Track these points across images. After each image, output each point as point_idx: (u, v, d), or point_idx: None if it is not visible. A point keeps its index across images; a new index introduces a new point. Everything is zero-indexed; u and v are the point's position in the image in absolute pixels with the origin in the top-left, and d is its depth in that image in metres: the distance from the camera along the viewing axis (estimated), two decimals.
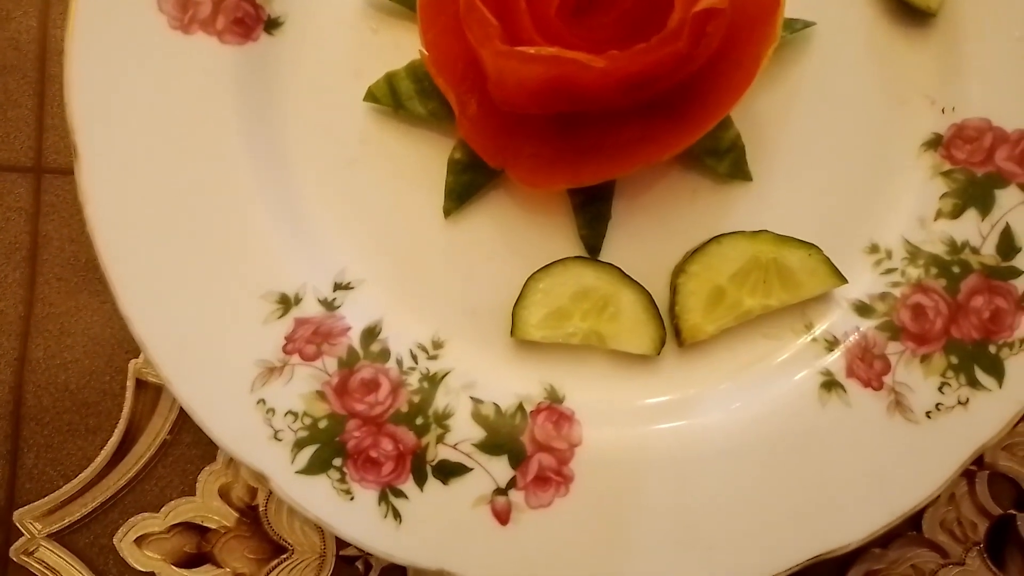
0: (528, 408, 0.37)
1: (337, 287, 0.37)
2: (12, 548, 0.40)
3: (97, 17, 0.35)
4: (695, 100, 0.35)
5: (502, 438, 0.36)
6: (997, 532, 0.40)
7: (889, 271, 0.38)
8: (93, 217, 0.35)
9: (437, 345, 0.37)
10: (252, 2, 0.37)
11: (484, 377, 0.37)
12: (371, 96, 0.37)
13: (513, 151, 0.36)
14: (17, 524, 0.40)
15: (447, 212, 0.38)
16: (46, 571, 0.40)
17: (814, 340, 0.37)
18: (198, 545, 0.40)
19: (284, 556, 0.40)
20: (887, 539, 0.40)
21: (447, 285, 0.37)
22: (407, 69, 0.37)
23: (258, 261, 0.36)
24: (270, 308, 0.36)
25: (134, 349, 0.40)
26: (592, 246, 0.37)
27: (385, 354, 0.36)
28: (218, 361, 0.35)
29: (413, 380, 0.36)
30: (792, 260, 0.36)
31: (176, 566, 0.40)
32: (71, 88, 0.35)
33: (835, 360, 0.37)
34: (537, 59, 0.31)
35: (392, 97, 0.37)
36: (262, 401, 0.35)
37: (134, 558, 0.40)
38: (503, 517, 0.35)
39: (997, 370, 0.36)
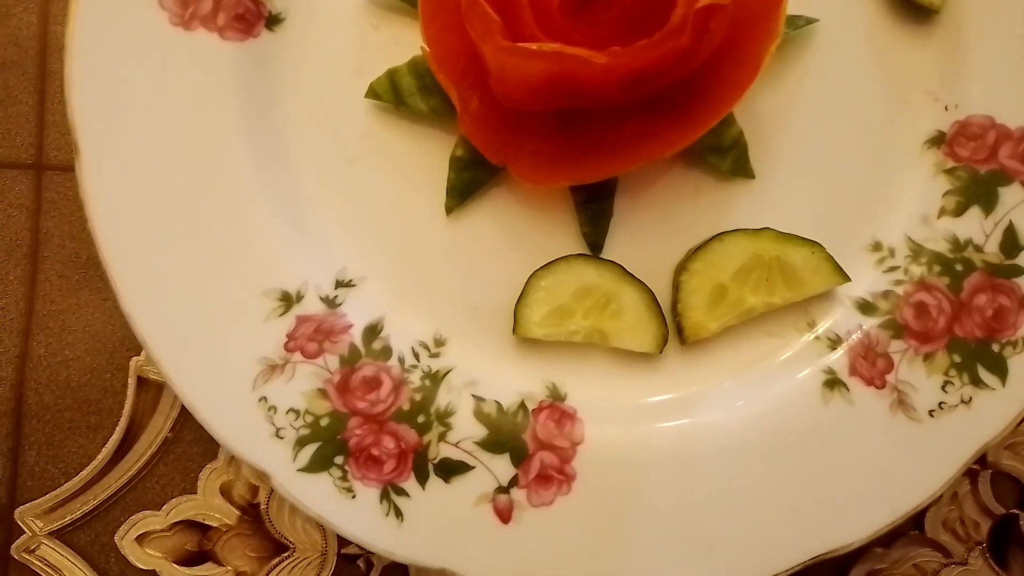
0: (530, 406, 0.36)
1: (339, 284, 0.37)
2: (13, 546, 0.40)
3: (98, 13, 0.35)
4: (697, 97, 0.35)
5: (504, 436, 0.36)
6: (1000, 531, 0.40)
7: (892, 269, 0.37)
8: (94, 214, 0.35)
9: (439, 343, 0.37)
10: None
11: (486, 375, 0.37)
12: (372, 93, 0.37)
13: (515, 148, 0.35)
14: (18, 522, 0.40)
15: (449, 209, 0.37)
16: (47, 569, 0.40)
17: (817, 338, 0.37)
18: (199, 543, 0.40)
19: (285, 554, 0.40)
20: (889, 538, 0.40)
21: (449, 282, 0.37)
22: (408, 65, 0.37)
23: (259, 258, 0.36)
24: (272, 305, 0.36)
25: (135, 346, 0.40)
26: (594, 243, 0.37)
27: (387, 352, 0.36)
28: (219, 359, 0.35)
29: (415, 378, 0.36)
30: (795, 258, 0.36)
31: (177, 564, 0.40)
32: (72, 85, 0.35)
33: (838, 358, 0.37)
34: (539, 55, 0.31)
35: (393, 93, 0.37)
36: (264, 399, 0.35)
37: (135, 556, 0.40)
38: (505, 515, 0.35)
39: (1000, 369, 0.35)
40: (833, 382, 0.36)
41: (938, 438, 0.35)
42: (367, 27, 0.38)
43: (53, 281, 0.41)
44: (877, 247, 0.38)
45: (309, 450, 0.35)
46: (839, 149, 0.38)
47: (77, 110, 0.35)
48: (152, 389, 0.40)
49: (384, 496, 0.35)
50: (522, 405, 0.36)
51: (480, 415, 0.36)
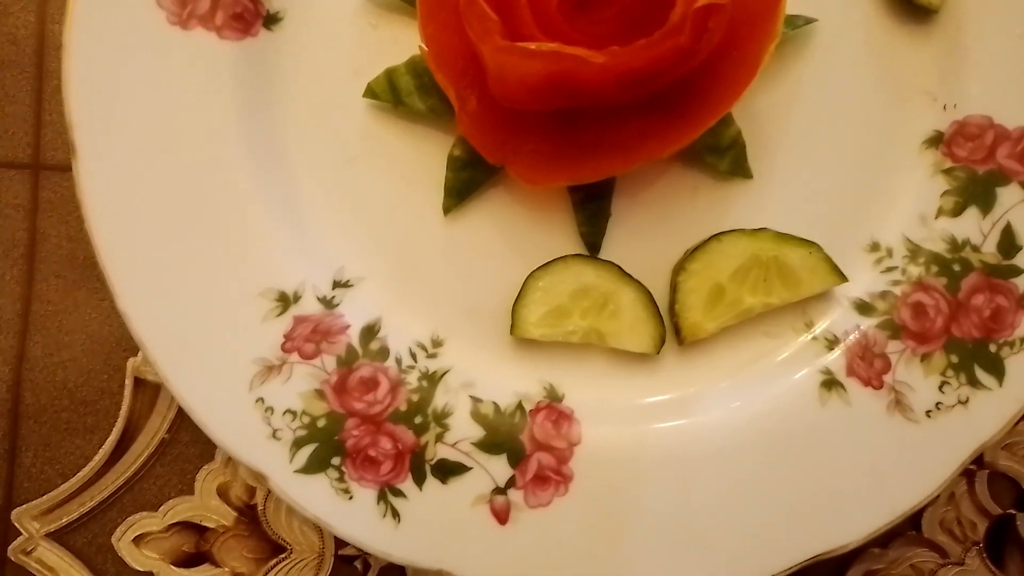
0: (527, 407, 0.36)
1: (336, 285, 0.37)
2: (10, 547, 0.40)
3: (95, 12, 0.35)
4: (696, 97, 0.35)
5: (501, 437, 0.36)
6: (997, 532, 0.40)
7: (890, 269, 0.37)
8: (91, 214, 0.35)
9: (436, 343, 0.37)
10: None
11: (483, 376, 0.37)
12: (370, 92, 0.37)
13: (513, 147, 0.35)
14: (15, 523, 0.40)
15: (447, 209, 0.37)
16: (44, 570, 0.40)
17: (814, 338, 0.37)
18: (196, 544, 0.40)
19: (283, 555, 0.40)
20: (886, 539, 0.40)
21: (446, 283, 0.37)
22: (407, 65, 0.37)
23: (257, 258, 0.36)
24: (269, 306, 0.36)
25: (132, 347, 0.40)
26: (592, 244, 0.37)
27: (384, 352, 0.36)
28: (217, 359, 0.35)
29: (412, 379, 0.36)
30: (793, 258, 0.36)
31: (174, 565, 0.40)
32: (69, 84, 0.35)
33: (835, 359, 0.37)
34: (537, 55, 0.31)
35: (391, 93, 0.37)
36: (261, 400, 0.35)
37: (132, 557, 0.40)
38: (502, 516, 0.35)
39: (997, 369, 0.36)
40: (830, 382, 0.36)
41: (935, 438, 0.35)
42: (365, 26, 0.38)
43: (50, 281, 0.41)
44: (875, 247, 0.38)
45: (306, 451, 0.35)
46: (837, 149, 0.38)
47: (74, 109, 0.35)
48: (149, 390, 0.40)
49: (381, 497, 0.35)
50: (519, 406, 0.36)
51: (477, 416, 0.36)
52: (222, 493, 0.40)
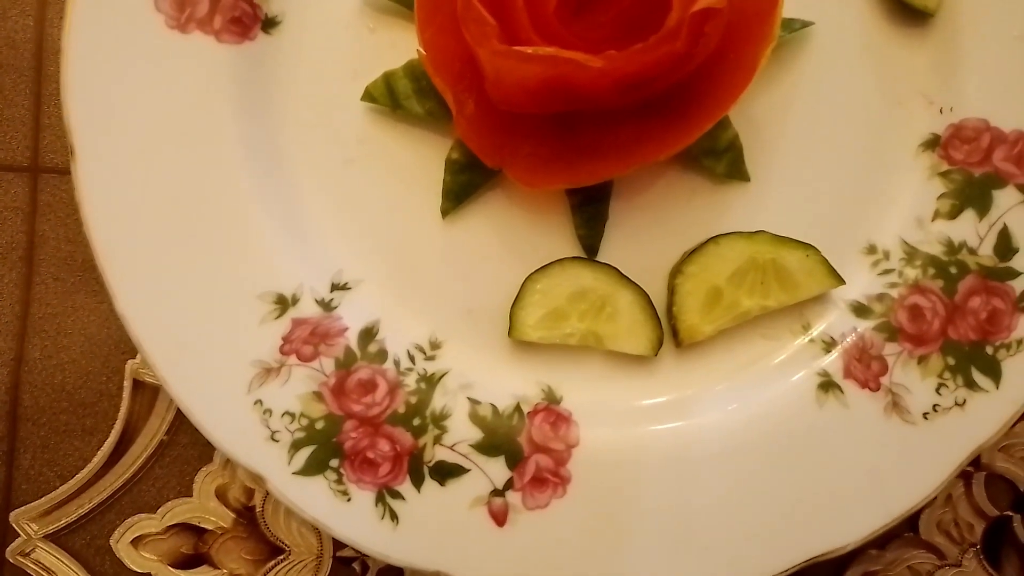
0: (525, 409, 0.36)
1: (334, 287, 0.37)
2: (8, 549, 0.40)
3: (94, 16, 0.35)
4: (693, 100, 0.35)
5: (499, 439, 0.36)
6: (994, 533, 0.40)
7: (887, 272, 0.38)
8: (90, 217, 0.35)
9: (434, 346, 0.37)
10: (249, 1, 0.37)
11: (481, 378, 0.37)
12: (368, 96, 0.37)
13: (511, 151, 0.36)
14: (13, 525, 0.40)
15: (445, 212, 0.37)
16: (42, 572, 0.40)
17: (811, 341, 0.37)
18: (195, 546, 0.40)
19: (281, 557, 0.40)
20: (884, 540, 0.40)
21: (445, 285, 0.37)
22: (405, 68, 0.37)
23: (255, 261, 0.36)
24: (267, 308, 0.36)
25: (131, 349, 0.40)
26: (590, 246, 0.37)
27: (382, 355, 0.36)
28: (215, 362, 0.35)
29: (410, 381, 0.36)
30: (790, 261, 0.36)
31: (173, 567, 0.40)
32: (68, 87, 0.35)
33: (832, 361, 0.37)
34: (535, 59, 0.31)
35: (390, 97, 0.37)
36: (259, 402, 0.35)
37: (131, 559, 0.40)
38: (500, 518, 0.35)
39: (994, 371, 0.36)
40: (827, 384, 0.36)
41: (932, 440, 0.35)
42: (363, 30, 0.38)
43: (48, 284, 0.41)
44: (872, 250, 0.38)
45: (304, 453, 0.35)
46: (834, 152, 0.38)
47: (73, 113, 0.35)
48: (148, 392, 0.40)
49: (379, 499, 0.35)
50: (517, 408, 0.36)
51: (475, 418, 0.36)
52: (220, 495, 0.40)
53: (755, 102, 0.38)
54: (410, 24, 0.37)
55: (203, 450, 0.40)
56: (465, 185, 0.37)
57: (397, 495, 0.35)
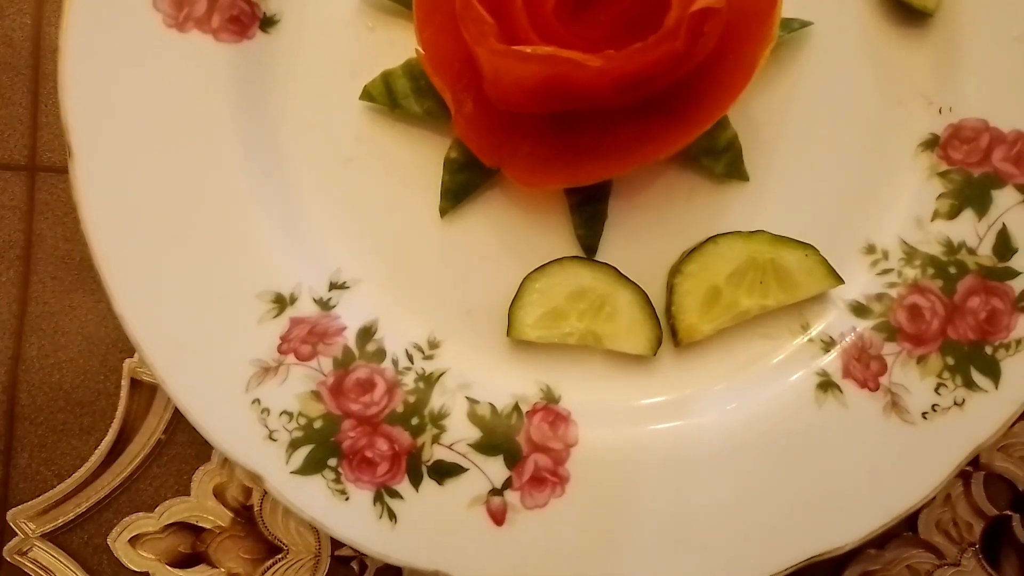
0: (524, 408, 0.36)
1: (333, 287, 0.37)
2: (6, 548, 0.40)
3: (91, 15, 0.35)
4: (692, 100, 0.35)
5: (498, 438, 0.36)
6: (993, 533, 0.40)
7: (886, 271, 0.37)
8: (87, 216, 0.35)
9: (433, 345, 0.37)
10: (248, 0, 0.37)
11: (480, 377, 0.37)
12: (367, 95, 0.37)
13: (509, 150, 0.35)
14: (11, 524, 0.40)
15: (443, 211, 0.37)
16: (40, 571, 0.40)
17: (810, 340, 0.37)
18: (192, 545, 0.40)
19: (279, 556, 0.40)
20: (883, 540, 0.40)
21: (443, 285, 0.37)
22: (403, 67, 0.37)
23: (253, 260, 0.36)
24: (265, 308, 0.36)
25: (129, 348, 0.40)
26: (588, 246, 0.37)
27: (381, 354, 0.36)
28: (213, 361, 0.35)
29: (409, 380, 0.36)
30: (789, 260, 0.36)
31: (170, 566, 0.40)
32: (65, 86, 0.35)
33: (831, 361, 0.37)
34: (533, 58, 0.31)
35: (388, 96, 0.37)
36: (257, 401, 0.35)
37: (128, 558, 0.40)
38: (499, 518, 0.35)
39: (993, 371, 0.36)
40: (826, 384, 0.36)
41: (931, 440, 0.35)
42: (362, 29, 0.38)
43: (46, 283, 0.41)
44: (871, 250, 0.38)
45: (302, 452, 0.35)
46: (833, 152, 0.38)
47: (70, 112, 0.35)
48: (145, 391, 0.40)
49: (378, 498, 0.35)
50: (516, 407, 0.36)
51: (474, 417, 0.36)
52: (218, 494, 0.40)
53: (754, 102, 0.38)
54: (409, 23, 0.37)
55: (201, 449, 0.40)
56: (464, 184, 0.37)
57: (395, 494, 0.35)
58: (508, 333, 0.37)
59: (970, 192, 0.37)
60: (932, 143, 0.38)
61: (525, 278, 0.37)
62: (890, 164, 0.38)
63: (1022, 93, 0.37)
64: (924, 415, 0.35)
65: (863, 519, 0.35)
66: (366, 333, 0.37)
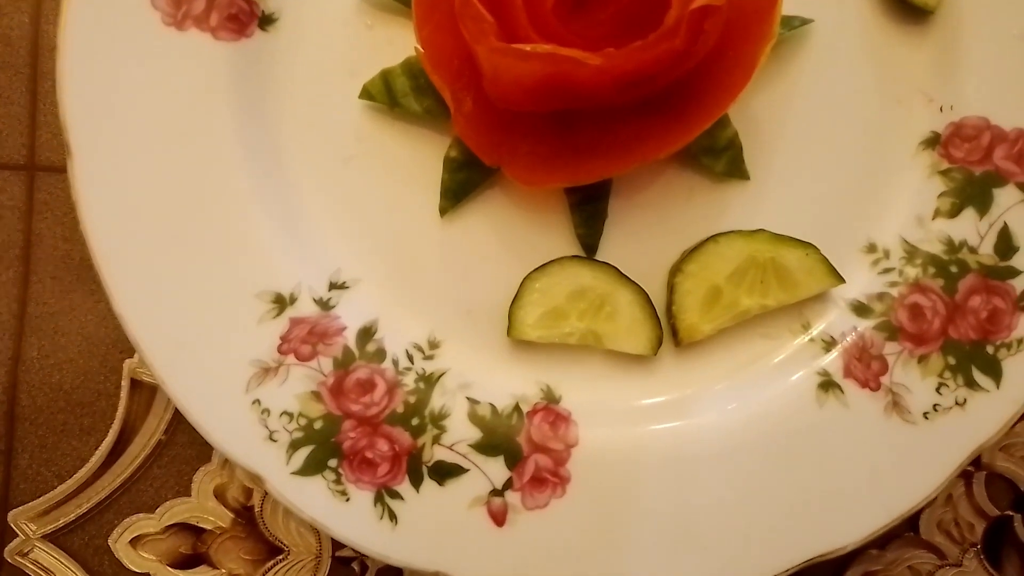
0: (524, 408, 0.36)
1: (332, 286, 0.37)
2: (6, 549, 0.40)
3: (90, 13, 0.35)
4: (692, 98, 0.35)
5: (498, 439, 0.36)
6: (994, 533, 0.40)
7: (887, 271, 0.37)
8: (86, 216, 0.34)
9: (433, 345, 0.37)
10: None
11: (480, 377, 0.36)
12: (366, 93, 0.37)
13: (509, 149, 0.35)
14: (11, 525, 0.40)
15: (443, 211, 0.37)
16: (40, 572, 0.40)
17: (811, 340, 0.37)
18: (193, 546, 0.40)
19: (280, 557, 0.40)
20: (884, 540, 0.40)
21: (443, 284, 0.37)
22: (403, 66, 0.37)
23: (253, 260, 0.36)
24: (265, 308, 0.36)
25: (129, 349, 0.40)
26: (589, 245, 0.37)
27: (381, 354, 0.36)
28: (213, 361, 0.35)
29: (409, 380, 0.36)
30: (789, 259, 0.36)
31: (171, 567, 0.40)
32: (64, 85, 0.34)
33: (832, 360, 0.37)
34: (533, 56, 0.31)
35: (387, 94, 0.37)
36: (257, 402, 0.35)
37: (129, 559, 0.40)
38: (499, 518, 0.35)
39: (995, 371, 0.35)
40: (827, 384, 0.36)
41: (933, 440, 0.35)
42: (361, 27, 0.38)
43: (46, 283, 0.40)
44: (872, 249, 0.38)
45: (303, 453, 0.35)
46: (834, 150, 0.38)
47: (69, 111, 0.35)
48: (145, 391, 0.40)
49: (378, 499, 0.35)
50: (516, 407, 0.36)
51: (474, 418, 0.36)
52: (219, 495, 0.40)
53: (754, 100, 0.38)
54: (408, 21, 0.37)
55: (201, 450, 0.40)
56: (463, 183, 0.37)
57: (396, 495, 0.35)
58: (508, 333, 0.36)
59: (971, 190, 0.37)
60: (933, 141, 0.38)
61: (525, 278, 0.36)
62: (891, 162, 0.38)
63: (1023, 91, 0.37)
64: (925, 415, 0.35)
65: (864, 519, 0.35)
66: (366, 333, 0.36)
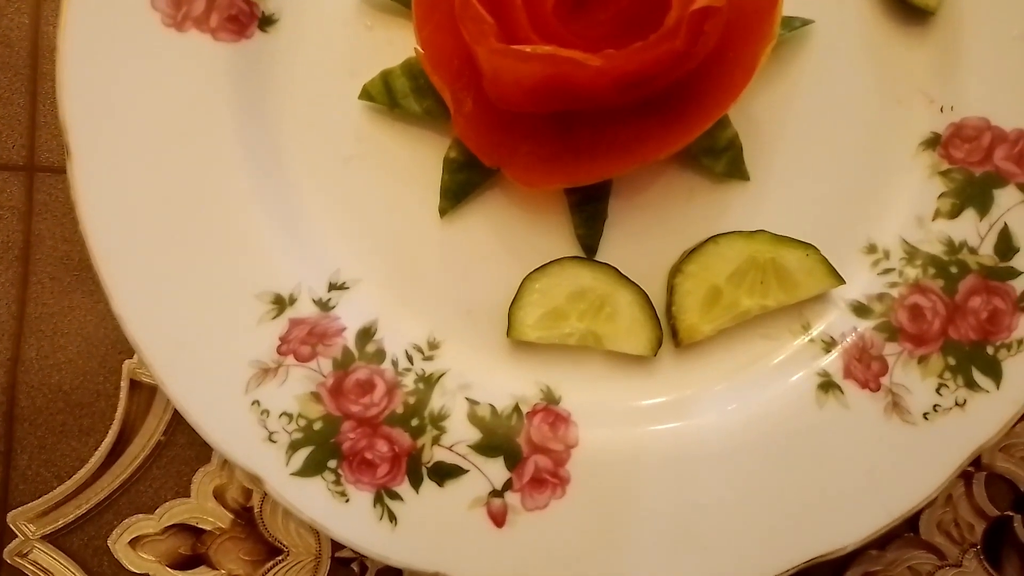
0: (524, 409, 0.36)
1: (332, 287, 0.37)
2: (6, 550, 0.40)
3: (90, 14, 0.35)
4: (692, 99, 0.35)
5: (498, 440, 0.36)
6: (994, 534, 0.40)
7: (887, 271, 0.37)
8: (86, 216, 0.34)
9: (433, 346, 0.37)
10: None
11: (480, 378, 0.36)
12: (366, 94, 0.37)
13: (509, 149, 0.35)
14: (11, 526, 0.40)
15: (443, 211, 0.37)
16: (40, 573, 0.40)
17: (811, 341, 0.37)
18: (193, 547, 0.40)
19: (279, 558, 0.40)
20: (884, 541, 0.40)
21: (443, 285, 0.37)
22: (402, 67, 0.37)
23: (252, 261, 0.36)
24: (264, 308, 0.36)
25: (128, 349, 0.40)
26: (588, 246, 0.37)
27: (380, 355, 0.36)
28: (212, 362, 0.35)
29: (408, 381, 0.36)
30: (789, 260, 0.36)
31: (171, 568, 0.39)
32: (63, 86, 0.34)
33: (832, 361, 0.37)
34: (533, 57, 0.31)
35: (387, 95, 0.37)
36: (256, 402, 0.35)
37: (128, 560, 0.40)
38: (499, 519, 0.35)
39: (995, 371, 0.35)
40: (827, 385, 0.36)
41: (933, 441, 0.35)
42: (361, 28, 0.38)
43: (45, 284, 0.40)
44: (872, 249, 0.38)
45: (302, 454, 0.35)
46: (834, 151, 0.38)
47: (69, 111, 0.34)
48: (145, 392, 0.40)
49: (378, 500, 0.35)
50: (516, 408, 0.36)
51: (474, 418, 0.36)
52: (218, 495, 0.40)
53: (755, 101, 0.38)
54: (408, 22, 0.37)
55: (200, 450, 0.40)
56: (463, 184, 0.37)
57: (395, 496, 0.35)
58: (508, 334, 0.36)
59: (971, 191, 0.37)
60: (933, 142, 0.38)
61: (525, 278, 0.36)
62: (891, 163, 0.38)
63: (1023, 92, 0.37)
64: (925, 415, 0.35)
65: (864, 520, 0.35)
66: (366, 334, 0.36)
